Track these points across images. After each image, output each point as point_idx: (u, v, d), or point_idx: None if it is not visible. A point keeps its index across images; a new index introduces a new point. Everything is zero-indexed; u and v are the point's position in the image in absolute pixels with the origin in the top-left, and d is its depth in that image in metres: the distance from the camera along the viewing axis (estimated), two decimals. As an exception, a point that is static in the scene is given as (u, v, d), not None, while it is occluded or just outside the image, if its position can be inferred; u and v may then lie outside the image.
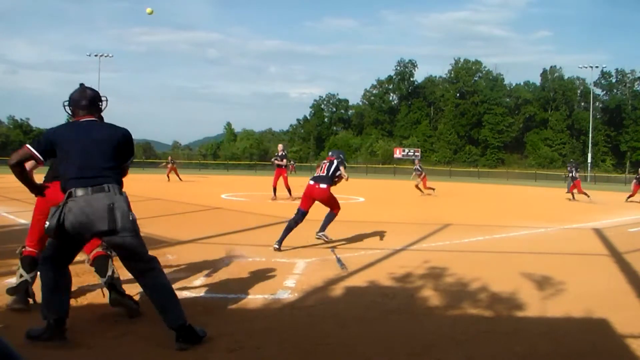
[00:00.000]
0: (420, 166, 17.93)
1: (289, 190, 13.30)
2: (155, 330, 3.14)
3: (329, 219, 6.36)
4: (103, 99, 3.15)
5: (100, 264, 3.50)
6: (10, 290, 3.54)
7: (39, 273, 3.09)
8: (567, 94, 70.93)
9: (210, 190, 18.10)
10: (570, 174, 17.03)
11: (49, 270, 2.94)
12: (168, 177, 24.67)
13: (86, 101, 3.05)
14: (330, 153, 6.72)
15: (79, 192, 2.83)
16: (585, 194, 16.44)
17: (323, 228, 6.33)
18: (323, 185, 6.21)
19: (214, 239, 6.80)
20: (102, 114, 3.15)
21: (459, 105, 72.82)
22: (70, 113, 3.11)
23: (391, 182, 32.88)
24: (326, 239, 6.32)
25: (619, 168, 64.03)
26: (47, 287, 2.92)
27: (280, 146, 14.19)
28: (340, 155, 6.57)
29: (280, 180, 13.43)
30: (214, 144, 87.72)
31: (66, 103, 3.10)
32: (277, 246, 5.88)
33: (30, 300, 3.52)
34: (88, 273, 4.48)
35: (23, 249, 3.64)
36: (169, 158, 28.31)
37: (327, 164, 6.39)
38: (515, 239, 7.87)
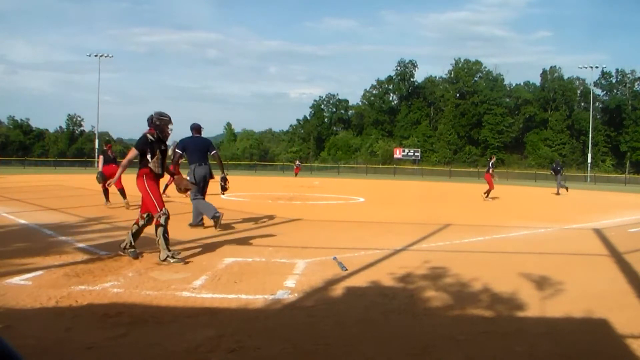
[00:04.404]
0: (491, 164, 17.21)
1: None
2: (155, 330, 3.14)
3: None
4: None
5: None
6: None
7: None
8: (567, 94, 70.97)
9: (210, 190, 18.05)
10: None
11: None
12: None
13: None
14: None
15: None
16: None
17: None
18: None
19: (214, 239, 6.79)
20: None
21: (459, 105, 72.85)
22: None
23: (391, 182, 32.90)
24: None
25: (619, 168, 64.07)
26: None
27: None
28: None
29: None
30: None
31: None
32: None
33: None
34: (88, 273, 4.49)
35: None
36: None
37: None
38: (515, 239, 7.86)
